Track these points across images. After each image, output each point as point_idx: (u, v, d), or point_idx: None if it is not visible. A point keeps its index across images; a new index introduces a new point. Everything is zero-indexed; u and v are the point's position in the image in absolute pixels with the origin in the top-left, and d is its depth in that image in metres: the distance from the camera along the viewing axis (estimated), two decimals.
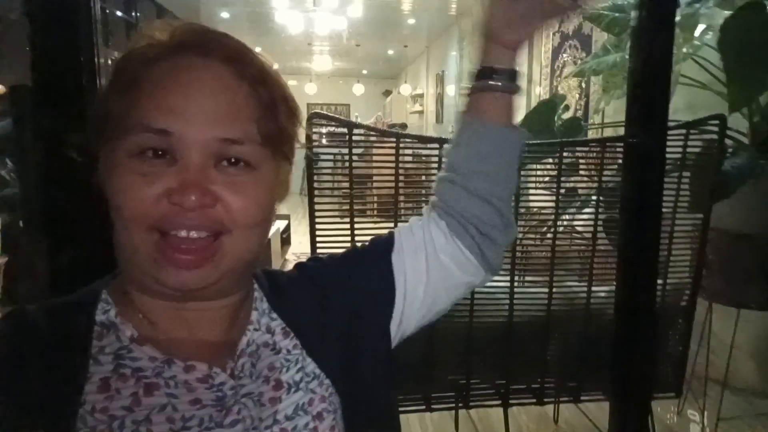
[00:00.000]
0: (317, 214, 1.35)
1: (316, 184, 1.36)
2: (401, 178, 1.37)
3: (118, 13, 6.34)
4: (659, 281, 1.46)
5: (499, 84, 0.62)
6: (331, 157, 1.48)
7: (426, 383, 1.52)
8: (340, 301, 0.63)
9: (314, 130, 1.33)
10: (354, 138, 1.32)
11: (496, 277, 1.46)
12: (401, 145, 1.36)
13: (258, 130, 0.51)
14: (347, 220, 1.34)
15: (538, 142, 1.46)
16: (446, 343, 1.50)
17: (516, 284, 1.46)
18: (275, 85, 0.55)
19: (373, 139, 1.41)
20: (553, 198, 1.45)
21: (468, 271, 0.65)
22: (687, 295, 1.51)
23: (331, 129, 1.35)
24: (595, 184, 1.49)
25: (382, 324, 0.63)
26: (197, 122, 0.48)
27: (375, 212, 1.80)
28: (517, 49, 0.63)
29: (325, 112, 1.29)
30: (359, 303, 0.63)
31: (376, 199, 1.85)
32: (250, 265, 0.57)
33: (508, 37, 0.61)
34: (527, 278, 1.55)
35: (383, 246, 0.66)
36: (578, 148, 1.70)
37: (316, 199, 1.35)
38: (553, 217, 1.51)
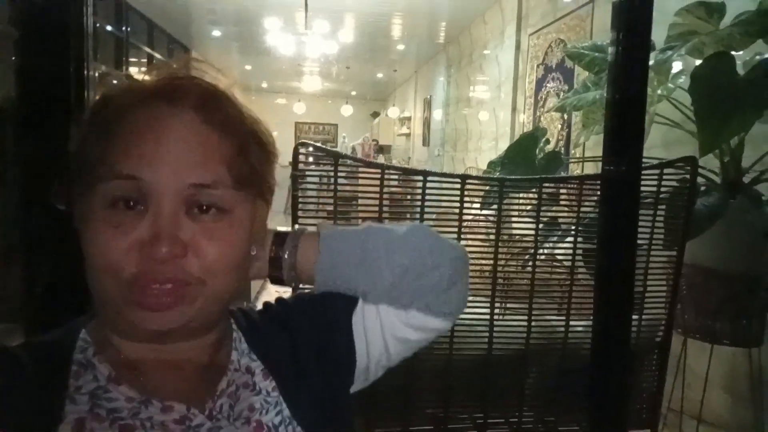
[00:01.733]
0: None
1: (300, 205, 1.37)
2: (386, 200, 1.39)
3: (108, 28, 6.35)
4: (635, 316, 1.49)
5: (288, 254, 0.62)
6: (317, 178, 1.49)
7: (404, 415, 1.51)
8: (306, 349, 0.62)
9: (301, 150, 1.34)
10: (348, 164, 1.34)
11: (476, 309, 1.48)
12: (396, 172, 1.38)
13: (229, 173, 0.52)
14: None
15: (518, 177, 1.49)
16: (425, 375, 1.50)
17: (497, 313, 1.48)
18: (246, 126, 0.55)
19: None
20: (544, 228, 1.48)
21: (425, 328, 0.63)
22: (662, 330, 1.53)
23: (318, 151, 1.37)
24: (575, 215, 1.52)
25: (344, 378, 0.64)
26: (167, 169, 0.49)
27: None
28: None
29: (312, 142, 1.31)
30: (322, 354, 0.62)
31: (360, 221, 1.86)
32: (226, 305, 0.57)
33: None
34: (508, 306, 1.57)
35: (346, 302, 0.63)
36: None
37: (299, 220, 1.36)
38: (539, 248, 1.54)
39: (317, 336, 0.63)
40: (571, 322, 1.46)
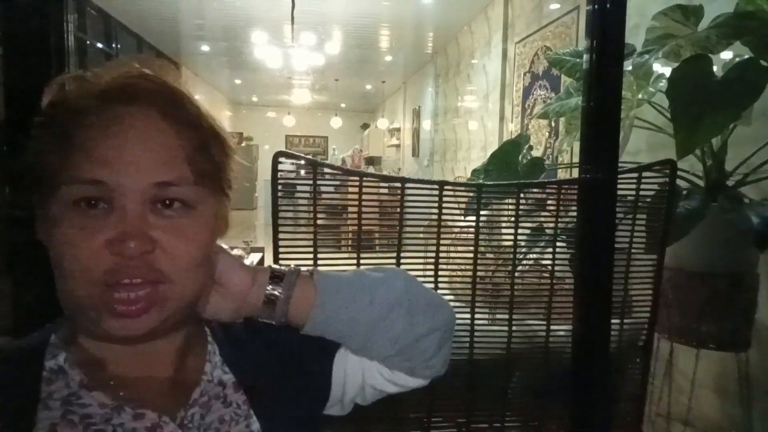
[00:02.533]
0: (281, 244, 1.35)
1: (281, 219, 1.36)
2: (376, 211, 1.39)
3: (99, 45, 6.36)
4: (617, 320, 1.48)
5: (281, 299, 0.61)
6: (302, 190, 1.48)
7: (387, 421, 1.50)
8: (283, 369, 0.63)
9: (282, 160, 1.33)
10: (326, 172, 1.34)
11: (457, 314, 1.47)
12: (374, 179, 1.38)
13: (191, 170, 0.52)
14: (315, 252, 1.35)
15: (496, 183, 1.49)
16: None
17: (480, 320, 1.47)
18: (205, 122, 0.55)
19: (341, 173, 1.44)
20: (523, 235, 1.48)
21: (405, 386, 0.67)
22: (645, 333, 1.53)
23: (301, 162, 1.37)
24: (562, 222, 1.52)
25: (316, 402, 0.66)
26: (130, 171, 0.49)
27: (349, 245, 1.80)
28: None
29: (290, 151, 1.31)
30: (299, 377, 0.63)
31: (350, 233, 1.86)
32: (195, 304, 0.57)
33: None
34: (497, 314, 1.56)
35: (331, 342, 0.64)
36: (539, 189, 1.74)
37: (280, 229, 1.35)
38: (518, 254, 1.54)
39: (298, 361, 0.63)
40: (553, 327, 1.46)
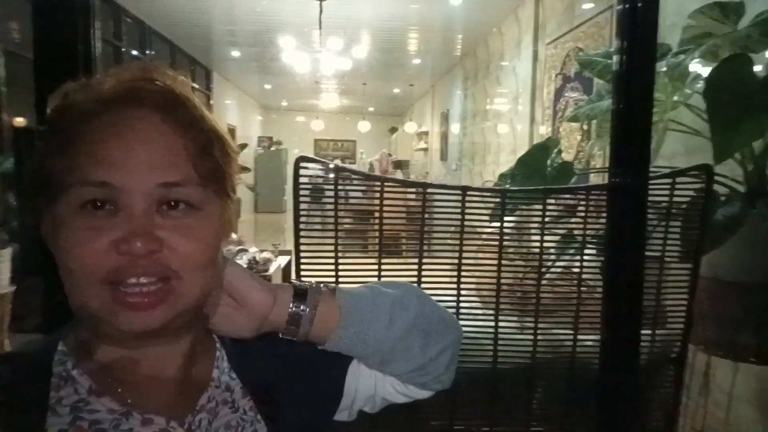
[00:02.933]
0: (302, 249, 1.35)
1: (302, 223, 1.36)
2: (399, 216, 1.38)
3: (134, 52, 6.52)
4: (648, 331, 1.43)
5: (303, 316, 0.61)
6: (323, 193, 1.48)
7: (410, 428, 1.48)
8: (294, 376, 0.64)
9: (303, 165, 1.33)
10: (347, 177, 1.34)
11: (481, 322, 1.44)
12: (395, 184, 1.37)
13: (196, 171, 0.53)
14: (336, 256, 1.34)
15: (520, 188, 1.45)
16: None
17: (504, 328, 1.44)
18: (208, 125, 0.56)
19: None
20: (554, 240, 1.44)
21: (415, 397, 0.70)
22: (678, 345, 1.47)
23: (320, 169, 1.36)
24: (593, 229, 1.47)
25: (326, 409, 0.67)
26: (137, 172, 0.50)
27: (371, 250, 1.79)
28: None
29: (311, 156, 1.31)
30: (310, 384, 0.65)
31: (372, 238, 1.84)
32: (202, 304, 0.57)
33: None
34: (526, 322, 1.52)
35: (339, 363, 0.66)
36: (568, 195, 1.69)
37: (301, 234, 1.34)
38: (545, 261, 1.50)
39: (310, 368, 0.64)
40: (581, 336, 1.41)
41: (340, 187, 1.33)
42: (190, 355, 0.57)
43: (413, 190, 1.59)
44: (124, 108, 0.51)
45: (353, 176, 1.37)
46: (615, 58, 1.23)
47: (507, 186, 2.10)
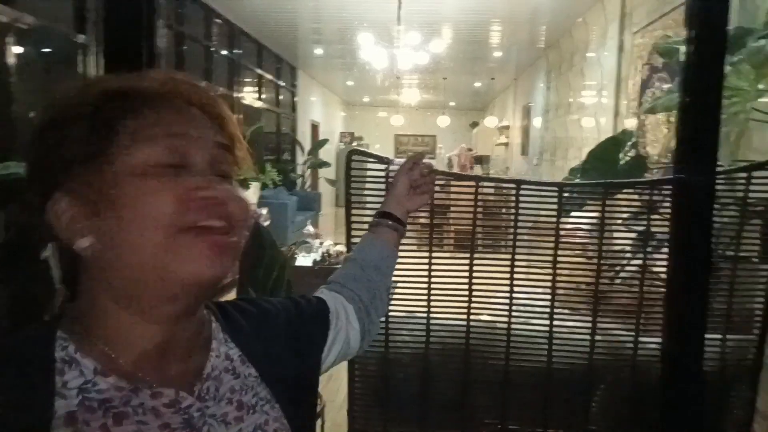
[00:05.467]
0: (353, 241, 1.40)
1: (354, 215, 1.40)
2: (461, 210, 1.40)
3: (223, 52, 6.89)
4: (718, 335, 1.34)
5: (390, 223, 0.92)
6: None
7: (461, 426, 1.48)
8: (285, 337, 0.70)
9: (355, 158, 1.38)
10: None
11: (536, 320, 1.42)
12: (448, 177, 1.38)
13: (231, 147, 0.59)
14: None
15: (581, 182, 1.41)
16: (484, 386, 1.46)
17: (559, 327, 1.40)
18: (233, 125, 0.61)
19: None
20: (630, 239, 1.39)
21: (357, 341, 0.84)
22: (753, 351, 1.37)
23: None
24: (659, 225, 1.40)
25: (315, 359, 0.75)
26: (199, 131, 0.56)
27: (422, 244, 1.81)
28: (407, 211, 0.95)
29: (362, 149, 1.34)
30: (300, 342, 0.72)
31: (453, 231, 1.87)
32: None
33: (404, 204, 0.94)
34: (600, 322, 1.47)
35: (320, 305, 0.80)
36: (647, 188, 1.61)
37: (352, 227, 1.39)
38: (608, 259, 1.45)
39: (294, 331, 0.72)
40: (645, 339, 1.35)
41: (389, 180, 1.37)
42: (196, 331, 0.60)
43: (489, 184, 1.58)
44: (174, 100, 0.56)
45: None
46: (683, 48, 1.16)
47: (577, 179, 2.04)
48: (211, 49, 6.50)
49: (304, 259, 4.56)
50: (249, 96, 7.90)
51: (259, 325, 0.69)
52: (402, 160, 0.95)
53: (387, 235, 0.92)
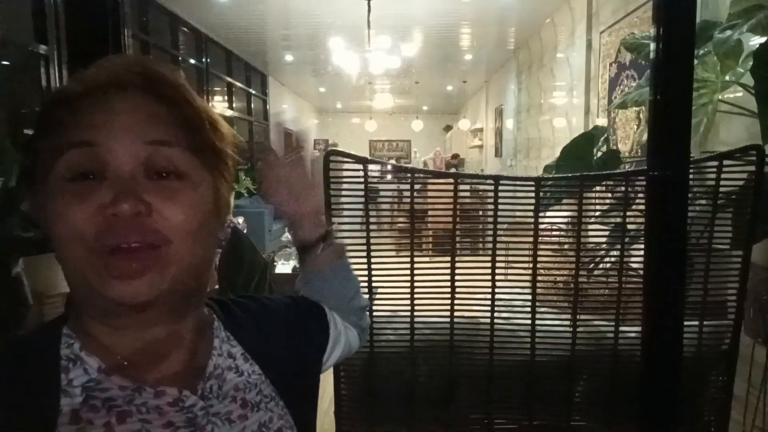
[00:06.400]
0: None
1: (334, 211, 1.40)
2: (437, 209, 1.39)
3: (192, 61, 6.81)
4: (695, 322, 1.37)
5: (324, 247, 0.81)
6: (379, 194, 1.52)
7: (448, 422, 1.48)
8: (287, 334, 0.70)
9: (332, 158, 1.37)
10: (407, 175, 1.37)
11: (516, 314, 1.42)
12: (426, 175, 1.38)
13: (184, 137, 0.53)
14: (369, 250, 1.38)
15: (558, 176, 1.42)
16: (468, 381, 1.46)
17: (541, 320, 1.41)
18: (197, 103, 0.56)
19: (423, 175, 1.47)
20: (607, 233, 1.41)
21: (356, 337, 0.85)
22: (729, 336, 1.39)
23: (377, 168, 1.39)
24: (634, 217, 1.43)
25: (317, 356, 0.74)
26: (122, 131, 0.50)
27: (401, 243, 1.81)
28: (315, 218, 0.81)
29: (341, 150, 1.33)
30: (302, 338, 0.72)
31: (431, 233, 1.88)
32: (199, 283, 0.58)
33: (303, 218, 0.80)
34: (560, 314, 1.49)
35: (317, 304, 0.79)
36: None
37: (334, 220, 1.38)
38: (586, 252, 1.46)
39: (295, 327, 0.72)
40: (623, 328, 1.37)
41: (393, 186, 1.37)
42: (196, 330, 0.59)
43: (466, 186, 1.59)
44: (110, 88, 0.52)
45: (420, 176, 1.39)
46: (652, 45, 1.18)
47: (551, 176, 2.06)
48: (179, 58, 6.42)
49: (283, 267, 4.52)
50: (220, 105, 7.82)
51: (261, 322, 0.68)
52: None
53: (321, 262, 0.81)
